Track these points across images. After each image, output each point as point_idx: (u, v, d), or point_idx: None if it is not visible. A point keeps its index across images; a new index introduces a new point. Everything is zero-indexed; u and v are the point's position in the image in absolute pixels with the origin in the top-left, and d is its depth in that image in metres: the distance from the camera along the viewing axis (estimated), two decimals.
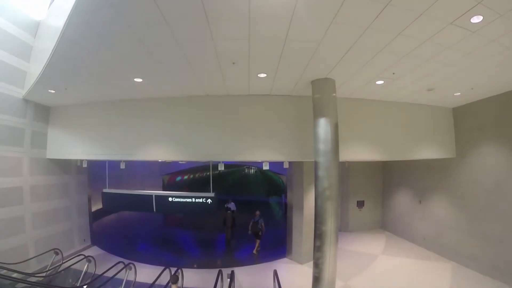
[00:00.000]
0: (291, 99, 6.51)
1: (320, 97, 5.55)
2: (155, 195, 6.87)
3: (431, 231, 9.06)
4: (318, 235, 5.19)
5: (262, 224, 8.98)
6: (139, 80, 5.58)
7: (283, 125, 6.44)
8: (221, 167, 7.24)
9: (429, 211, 9.19)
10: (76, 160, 8.99)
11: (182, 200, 6.77)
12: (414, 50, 4.32)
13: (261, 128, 6.44)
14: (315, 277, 5.25)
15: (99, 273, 6.45)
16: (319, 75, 5.36)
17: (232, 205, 12.35)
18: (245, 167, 29.26)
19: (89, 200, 10.16)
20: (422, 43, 4.09)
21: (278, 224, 12.76)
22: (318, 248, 5.19)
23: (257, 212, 9.43)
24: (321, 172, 5.24)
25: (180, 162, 7.15)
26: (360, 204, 11.66)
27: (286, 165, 8.10)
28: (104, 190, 7.32)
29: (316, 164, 5.35)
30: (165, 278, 6.01)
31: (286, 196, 17.26)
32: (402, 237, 10.49)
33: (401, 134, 7.31)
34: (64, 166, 8.66)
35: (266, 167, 7.03)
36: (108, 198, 7.32)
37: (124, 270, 6.54)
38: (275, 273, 5.88)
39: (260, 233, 9.03)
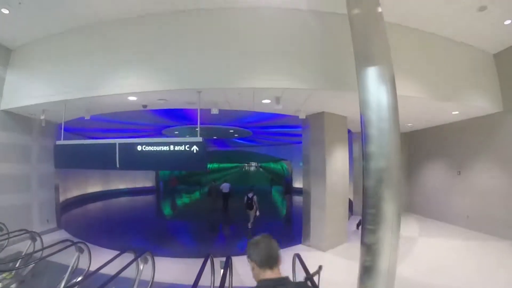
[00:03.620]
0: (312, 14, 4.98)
1: (361, 14, 3.67)
2: (119, 144, 4.95)
3: (476, 206, 7.34)
4: (370, 220, 3.47)
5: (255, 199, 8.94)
6: None
7: (303, 46, 4.86)
8: (215, 111, 5.65)
9: (472, 183, 7.51)
10: (41, 120, 7.39)
11: (156, 148, 4.81)
12: None
13: (271, 48, 4.79)
14: (365, 266, 3.44)
15: (46, 255, 4.58)
16: None
17: (225, 186, 11.68)
18: (245, 164, 28.39)
19: (57, 188, 8.45)
20: None
21: (281, 212, 11.93)
22: (370, 231, 3.45)
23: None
24: (373, 148, 3.37)
25: (158, 100, 5.54)
26: None
27: (302, 116, 6.55)
28: (57, 143, 5.55)
29: (365, 137, 3.50)
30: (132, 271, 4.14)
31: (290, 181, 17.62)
32: (436, 218, 8.70)
33: (443, 75, 5.79)
34: (23, 123, 6.98)
35: (278, 106, 5.41)
36: (60, 152, 5.47)
37: (76, 253, 4.53)
38: (297, 258, 3.81)
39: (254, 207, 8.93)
